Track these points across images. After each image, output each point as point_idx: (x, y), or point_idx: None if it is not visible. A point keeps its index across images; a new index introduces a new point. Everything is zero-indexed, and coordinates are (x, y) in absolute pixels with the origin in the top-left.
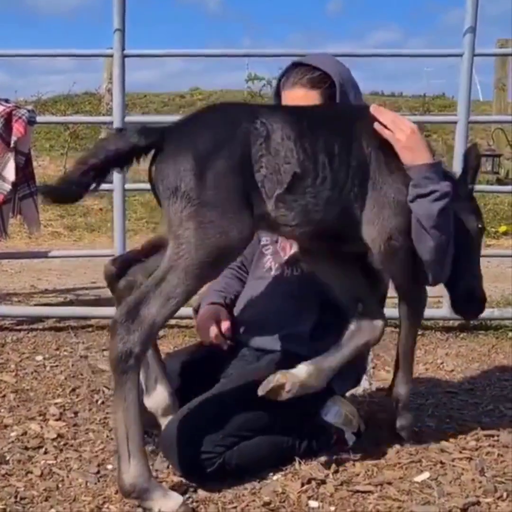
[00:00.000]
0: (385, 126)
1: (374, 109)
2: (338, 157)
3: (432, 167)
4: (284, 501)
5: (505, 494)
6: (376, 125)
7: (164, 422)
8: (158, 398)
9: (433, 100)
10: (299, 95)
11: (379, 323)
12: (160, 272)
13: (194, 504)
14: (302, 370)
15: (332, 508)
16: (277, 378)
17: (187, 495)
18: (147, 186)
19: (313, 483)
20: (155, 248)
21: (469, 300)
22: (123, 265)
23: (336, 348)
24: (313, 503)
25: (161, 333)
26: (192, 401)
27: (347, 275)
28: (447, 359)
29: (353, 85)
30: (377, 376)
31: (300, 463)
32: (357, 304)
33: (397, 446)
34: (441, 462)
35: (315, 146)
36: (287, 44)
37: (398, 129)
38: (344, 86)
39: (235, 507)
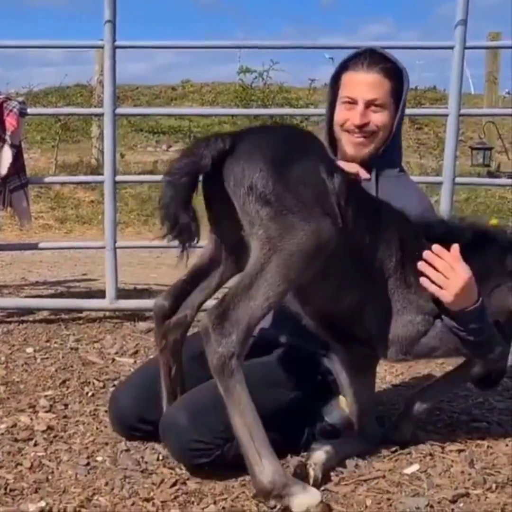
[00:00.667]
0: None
1: (429, 255)
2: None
3: (474, 313)
4: None
5: (494, 486)
6: (424, 280)
7: None
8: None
9: (424, 93)
10: (372, 80)
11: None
12: (248, 276)
13: (184, 496)
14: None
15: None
16: (312, 474)
17: (177, 487)
18: (139, 178)
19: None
20: (198, 277)
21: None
22: (175, 301)
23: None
24: None
25: (152, 325)
26: (196, 388)
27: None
28: None
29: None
30: None
31: (291, 455)
32: None
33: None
34: (431, 454)
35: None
36: (280, 37)
37: (448, 284)
38: (408, 84)
39: (225, 499)
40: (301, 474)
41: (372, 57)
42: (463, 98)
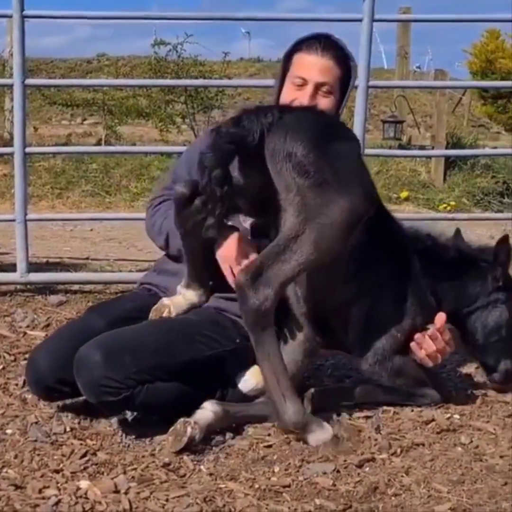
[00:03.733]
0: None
1: (420, 338)
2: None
3: None
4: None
5: (399, 450)
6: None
7: None
8: None
9: None
10: (325, 64)
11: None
12: (283, 240)
13: (94, 466)
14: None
15: (203, 466)
16: (189, 431)
17: (86, 458)
18: (50, 149)
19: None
20: None
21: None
22: (194, 189)
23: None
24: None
25: (63, 298)
26: (116, 330)
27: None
28: None
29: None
30: None
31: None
32: None
33: None
34: (339, 421)
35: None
36: (198, 10)
37: (434, 358)
38: (356, 74)
39: (135, 469)
40: (180, 430)
41: (327, 43)
42: (376, 73)
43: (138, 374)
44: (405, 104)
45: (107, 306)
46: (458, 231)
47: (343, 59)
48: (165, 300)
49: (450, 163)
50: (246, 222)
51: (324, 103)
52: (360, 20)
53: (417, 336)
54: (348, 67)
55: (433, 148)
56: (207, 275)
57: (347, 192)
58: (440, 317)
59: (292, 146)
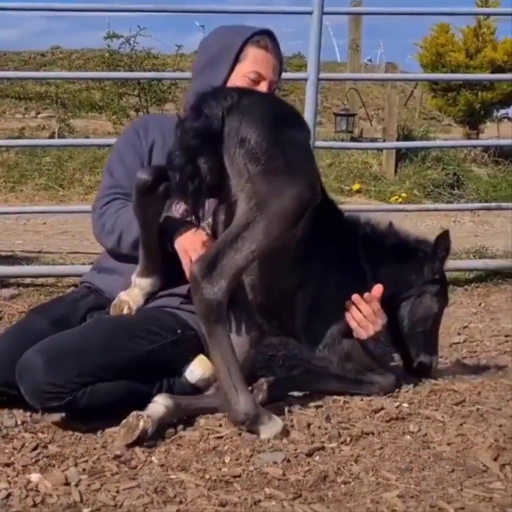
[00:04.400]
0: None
1: (357, 299)
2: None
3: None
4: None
5: (348, 439)
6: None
7: None
8: None
9: (289, 60)
10: (276, 64)
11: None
12: (235, 228)
13: (45, 459)
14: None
15: (154, 458)
16: (141, 425)
17: (37, 451)
18: (4, 143)
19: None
20: None
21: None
22: (156, 174)
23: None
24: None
25: (15, 291)
26: (56, 334)
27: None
28: None
29: None
30: None
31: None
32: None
33: None
34: (290, 411)
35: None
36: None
37: (367, 326)
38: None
39: (86, 461)
40: (132, 423)
41: (274, 41)
42: (330, 66)
43: (80, 377)
44: (357, 97)
45: (49, 307)
46: (390, 224)
47: (280, 53)
48: (122, 296)
49: (401, 156)
50: (178, 210)
51: None
52: (310, 13)
53: (347, 302)
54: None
55: (384, 140)
56: (160, 263)
57: (296, 181)
58: (377, 288)
59: (247, 131)
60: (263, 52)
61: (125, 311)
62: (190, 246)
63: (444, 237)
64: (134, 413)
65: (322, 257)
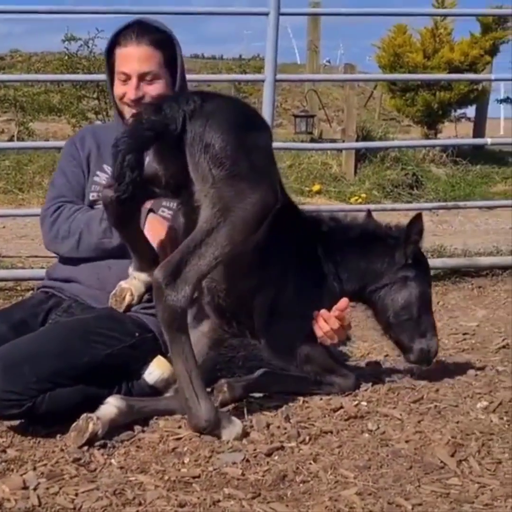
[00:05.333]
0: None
1: (325, 315)
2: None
3: None
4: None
5: (307, 438)
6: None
7: None
8: None
9: (249, 62)
10: (143, 53)
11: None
12: (199, 233)
13: (3, 464)
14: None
15: (113, 460)
16: (90, 427)
17: None
18: None
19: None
20: None
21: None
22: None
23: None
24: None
25: None
26: (12, 341)
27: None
28: None
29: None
30: None
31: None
32: None
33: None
34: (250, 411)
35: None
36: (111, 2)
37: (332, 336)
38: (180, 52)
39: (45, 465)
40: (82, 426)
41: (141, 29)
42: (290, 68)
43: (38, 383)
44: (316, 99)
45: (8, 312)
46: (369, 213)
47: (163, 40)
48: (123, 283)
49: (360, 156)
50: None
51: (152, 90)
52: (266, 14)
53: (315, 313)
54: (172, 45)
55: (343, 141)
56: (155, 255)
57: (259, 185)
58: (342, 302)
59: (211, 137)
60: (125, 50)
61: (127, 298)
62: (162, 239)
63: (416, 221)
64: (84, 415)
65: (280, 259)
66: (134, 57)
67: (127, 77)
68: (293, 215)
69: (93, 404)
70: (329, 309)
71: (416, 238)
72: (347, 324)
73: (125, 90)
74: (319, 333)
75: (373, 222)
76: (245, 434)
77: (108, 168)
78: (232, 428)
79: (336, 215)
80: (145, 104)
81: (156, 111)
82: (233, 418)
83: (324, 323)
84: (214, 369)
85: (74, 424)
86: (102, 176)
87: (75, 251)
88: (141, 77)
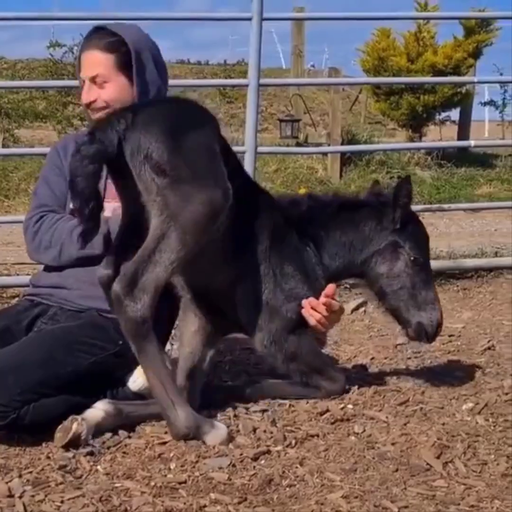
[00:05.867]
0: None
1: (313, 303)
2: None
3: None
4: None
5: (293, 442)
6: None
7: None
8: None
9: (234, 67)
10: (96, 59)
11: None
12: (151, 242)
13: None
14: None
15: (99, 466)
16: (74, 427)
17: None
18: None
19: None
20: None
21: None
22: (116, 268)
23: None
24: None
25: None
26: None
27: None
28: None
29: (153, 56)
30: None
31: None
32: None
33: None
34: (236, 416)
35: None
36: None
37: (325, 324)
38: (141, 54)
39: (31, 472)
40: (66, 426)
41: (96, 35)
42: (275, 73)
43: (22, 394)
44: (301, 103)
45: None
46: (376, 182)
47: (117, 43)
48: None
49: (346, 160)
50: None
51: (104, 94)
52: (249, 19)
53: (303, 302)
54: (127, 48)
55: (329, 145)
56: None
57: (204, 185)
58: (328, 289)
59: (147, 147)
60: (82, 55)
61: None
62: None
63: (404, 183)
64: (70, 417)
65: (255, 249)
66: (85, 62)
67: (83, 82)
68: (265, 202)
69: (78, 414)
70: (317, 294)
71: (405, 201)
72: (337, 309)
73: (85, 95)
74: (311, 321)
75: (375, 190)
76: (231, 438)
77: None
78: (216, 432)
79: (314, 193)
80: (82, 136)
81: (91, 141)
82: (217, 422)
83: (314, 311)
84: (209, 370)
85: (59, 426)
86: None
87: (58, 261)
88: (92, 81)
